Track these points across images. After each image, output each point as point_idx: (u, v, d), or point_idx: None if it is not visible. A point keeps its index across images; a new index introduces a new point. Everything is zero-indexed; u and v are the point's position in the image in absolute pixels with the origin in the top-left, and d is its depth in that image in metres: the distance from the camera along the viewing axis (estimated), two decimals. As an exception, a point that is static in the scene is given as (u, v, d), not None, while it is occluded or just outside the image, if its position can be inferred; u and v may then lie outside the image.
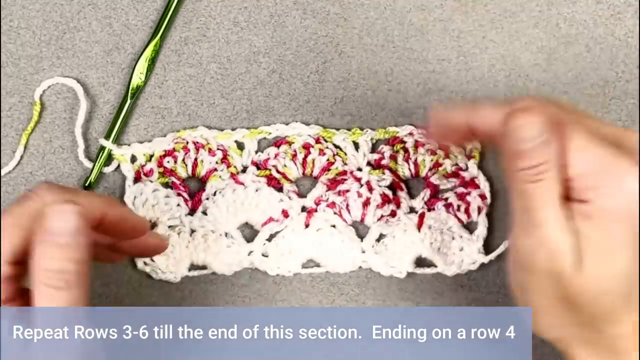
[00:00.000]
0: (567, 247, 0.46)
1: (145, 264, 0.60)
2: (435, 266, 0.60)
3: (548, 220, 0.47)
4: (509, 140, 0.47)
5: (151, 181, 0.60)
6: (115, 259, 0.56)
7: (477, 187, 0.60)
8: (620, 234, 0.46)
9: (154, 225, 0.60)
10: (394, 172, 0.60)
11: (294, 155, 0.60)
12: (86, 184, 0.60)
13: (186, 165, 0.60)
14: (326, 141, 0.61)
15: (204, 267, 0.60)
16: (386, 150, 0.60)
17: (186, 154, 0.60)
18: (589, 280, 0.47)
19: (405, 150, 0.60)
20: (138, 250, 0.55)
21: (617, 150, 0.47)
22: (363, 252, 0.60)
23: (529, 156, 0.46)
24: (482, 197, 0.60)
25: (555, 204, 0.47)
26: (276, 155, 0.60)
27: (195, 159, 0.60)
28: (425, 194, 0.60)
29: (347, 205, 0.60)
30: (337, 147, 0.61)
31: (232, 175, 0.60)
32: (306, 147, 0.60)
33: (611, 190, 0.46)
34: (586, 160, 0.47)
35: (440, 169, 0.60)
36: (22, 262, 0.46)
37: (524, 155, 0.46)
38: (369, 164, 0.61)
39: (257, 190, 0.60)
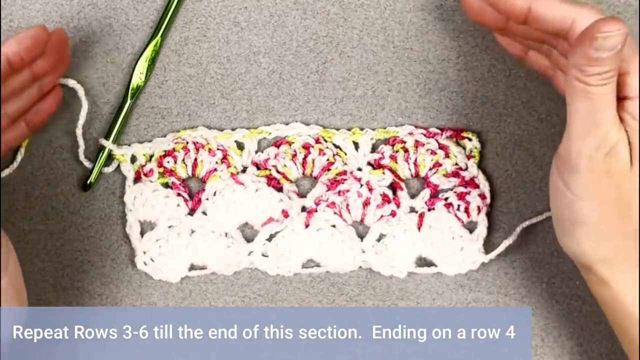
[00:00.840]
0: (624, 144, 0.49)
1: (145, 264, 0.60)
2: (436, 266, 0.61)
3: (609, 120, 0.49)
4: (588, 45, 0.47)
5: (151, 181, 0.60)
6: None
7: (477, 186, 0.60)
8: None
9: (153, 225, 0.60)
10: (394, 172, 0.60)
11: (294, 155, 0.60)
12: (86, 185, 0.60)
13: (186, 165, 0.60)
14: (326, 141, 0.61)
15: (204, 267, 0.61)
16: (386, 150, 0.60)
17: (186, 154, 0.60)
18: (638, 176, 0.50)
19: (405, 150, 0.60)
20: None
21: None
22: (363, 252, 0.60)
23: (605, 63, 0.48)
24: (482, 196, 0.60)
25: (614, 106, 0.49)
26: (276, 155, 0.60)
27: (195, 159, 0.60)
28: (425, 194, 0.60)
29: (347, 205, 0.60)
30: (337, 147, 0.61)
31: (232, 176, 0.60)
32: (306, 147, 0.60)
33: None
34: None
35: (440, 168, 0.60)
36: None
37: (601, 61, 0.48)
38: (369, 164, 0.61)
39: (257, 190, 0.60)
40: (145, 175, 0.60)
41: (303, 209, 0.60)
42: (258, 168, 0.61)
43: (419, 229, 0.60)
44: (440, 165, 0.60)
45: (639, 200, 0.50)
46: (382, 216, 0.60)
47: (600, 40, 0.47)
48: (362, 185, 0.60)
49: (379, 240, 0.60)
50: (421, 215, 0.60)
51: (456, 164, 0.60)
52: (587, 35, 0.47)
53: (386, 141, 0.61)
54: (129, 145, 0.61)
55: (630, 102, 0.50)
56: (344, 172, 0.60)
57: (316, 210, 0.60)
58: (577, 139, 0.50)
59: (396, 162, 0.60)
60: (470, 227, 0.61)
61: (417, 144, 0.60)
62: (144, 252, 0.60)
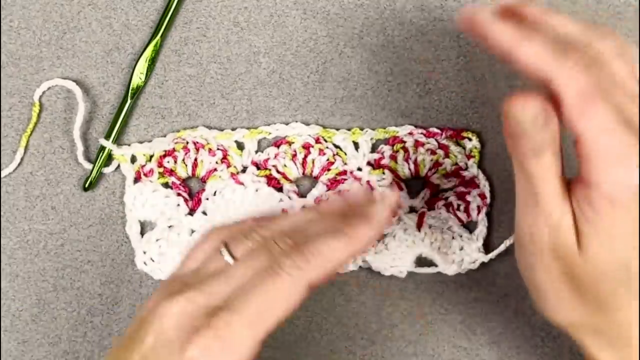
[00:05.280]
0: (568, 223, 0.47)
1: (145, 264, 0.60)
2: (436, 266, 0.61)
3: (548, 195, 0.47)
4: (507, 123, 0.47)
5: (151, 181, 0.60)
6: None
7: (477, 186, 0.60)
8: (622, 222, 0.46)
9: (153, 225, 0.60)
10: (394, 172, 0.60)
11: (294, 155, 0.60)
12: (86, 184, 0.60)
13: (186, 165, 0.60)
14: (326, 141, 0.61)
15: (204, 267, 0.60)
16: (386, 150, 0.60)
17: (186, 154, 0.60)
18: (590, 262, 0.47)
19: (405, 150, 0.60)
20: None
21: (635, 138, 0.46)
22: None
23: (528, 138, 0.46)
24: (482, 196, 0.60)
25: (556, 179, 0.47)
26: (276, 155, 0.60)
27: (195, 159, 0.60)
28: (425, 193, 0.60)
29: (347, 205, 0.60)
30: (337, 147, 0.61)
31: (232, 175, 0.60)
32: (306, 147, 0.60)
33: (620, 178, 0.46)
34: (603, 142, 0.46)
35: (440, 168, 0.60)
36: None
37: (523, 136, 0.46)
38: (369, 164, 0.61)
39: (257, 190, 0.60)
40: (145, 175, 0.60)
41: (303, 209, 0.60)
42: (258, 168, 0.61)
43: (419, 228, 0.60)
44: (440, 165, 0.60)
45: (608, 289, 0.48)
46: (382, 216, 0.60)
47: (509, 116, 0.46)
48: (362, 185, 0.60)
49: (379, 240, 0.60)
50: (421, 215, 0.60)
51: (456, 163, 0.60)
52: (503, 111, 0.46)
53: (386, 141, 0.61)
54: (129, 145, 0.61)
55: (583, 186, 0.47)
56: (344, 172, 0.60)
57: (316, 210, 0.60)
58: (520, 216, 0.49)
59: (396, 162, 0.60)
60: (470, 227, 0.61)
61: (417, 143, 0.60)
62: (144, 252, 0.60)
